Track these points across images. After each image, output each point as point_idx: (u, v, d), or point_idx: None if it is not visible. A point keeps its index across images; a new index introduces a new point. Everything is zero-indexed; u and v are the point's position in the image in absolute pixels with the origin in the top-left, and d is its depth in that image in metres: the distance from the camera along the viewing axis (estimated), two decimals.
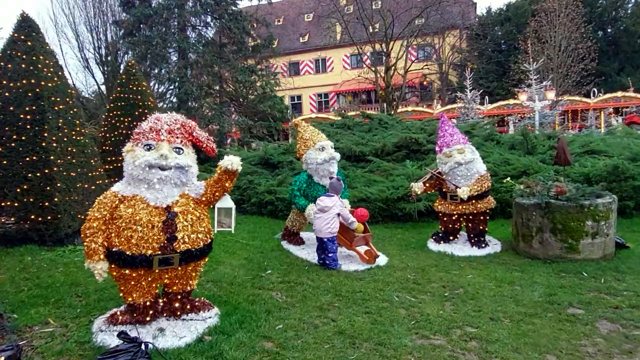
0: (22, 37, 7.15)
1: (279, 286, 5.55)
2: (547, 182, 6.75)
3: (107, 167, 10.03)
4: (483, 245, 7.00)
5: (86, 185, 7.30)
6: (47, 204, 6.70)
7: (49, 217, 6.73)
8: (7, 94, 6.91)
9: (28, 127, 6.80)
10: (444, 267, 6.19)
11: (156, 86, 24.19)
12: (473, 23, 35.98)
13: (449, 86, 35.52)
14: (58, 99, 7.18)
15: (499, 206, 8.60)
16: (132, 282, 4.12)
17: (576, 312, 4.64)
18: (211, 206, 4.47)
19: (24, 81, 6.94)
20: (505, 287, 5.35)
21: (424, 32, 30.88)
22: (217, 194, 4.34)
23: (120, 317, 4.22)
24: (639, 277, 5.52)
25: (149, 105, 11.18)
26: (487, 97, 26.93)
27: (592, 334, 4.16)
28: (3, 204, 6.70)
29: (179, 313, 4.42)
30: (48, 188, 6.73)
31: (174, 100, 21.43)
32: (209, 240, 4.34)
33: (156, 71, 20.84)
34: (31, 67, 7.01)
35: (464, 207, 6.98)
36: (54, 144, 6.91)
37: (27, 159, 6.72)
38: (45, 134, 6.83)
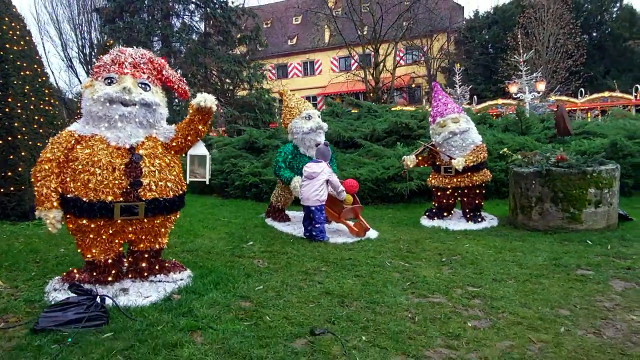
0: None
1: (261, 255, 5.07)
2: (547, 152, 6.41)
3: None
4: (479, 220, 6.60)
5: None
6: (9, 173, 6.16)
7: (12, 189, 6.18)
8: None
9: None
10: (439, 239, 5.76)
11: None
12: (460, 26, 36.10)
13: None
14: (24, 65, 6.67)
15: (493, 186, 8.25)
16: (91, 235, 3.62)
17: (586, 272, 4.24)
18: (183, 154, 4.01)
19: None
20: (506, 254, 4.93)
21: (413, 35, 30.88)
22: (189, 138, 3.87)
23: (77, 275, 3.71)
24: None
25: None
26: (475, 97, 26.83)
27: (607, 290, 3.76)
28: None
29: (145, 274, 3.91)
30: (11, 157, 6.19)
31: None
32: (181, 192, 3.86)
33: None
34: None
35: (459, 180, 6.58)
36: (19, 110, 6.38)
37: None
38: (9, 99, 6.31)
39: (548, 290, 3.77)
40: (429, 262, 4.72)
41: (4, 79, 6.36)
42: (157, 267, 3.97)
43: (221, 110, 18.95)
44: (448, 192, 6.80)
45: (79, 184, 3.45)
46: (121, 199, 3.49)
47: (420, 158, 6.89)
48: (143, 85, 3.67)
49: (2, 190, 6.15)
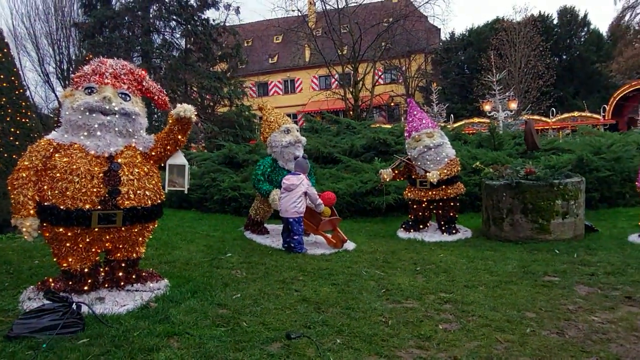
0: None
1: (240, 265, 5.10)
2: (517, 166, 6.66)
3: None
4: (454, 231, 6.78)
5: None
6: None
7: None
8: None
9: None
10: (414, 250, 5.90)
11: None
12: (437, 47, 37.15)
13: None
14: (1, 76, 6.63)
15: (467, 199, 8.48)
16: (68, 244, 3.62)
17: (552, 279, 4.43)
18: (162, 163, 4.07)
19: None
20: (478, 262, 5.10)
21: (391, 55, 31.62)
22: (168, 147, 3.94)
23: (52, 284, 3.69)
24: (611, 252, 5.39)
25: None
26: (452, 115, 27.52)
27: (571, 295, 3.94)
28: None
29: (122, 283, 3.92)
30: None
31: None
32: (159, 201, 3.90)
33: None
34: None
35: (434, 193, 6.77)
36: None
37: None
38: None
39: (516, 295, 3.92)
40: (404, 271, 4.84)
41: None
42: (134, 277, 3.97)
43: (201, 126, 18.97)
44: (424, 205, 6.97)
45: (56, 192, 3.47)
46: (99, 207, 3.52)
47: (396, 172, 7.08)
48: (123, 95, 3.74)
49: None
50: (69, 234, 3.55)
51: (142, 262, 4.27)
